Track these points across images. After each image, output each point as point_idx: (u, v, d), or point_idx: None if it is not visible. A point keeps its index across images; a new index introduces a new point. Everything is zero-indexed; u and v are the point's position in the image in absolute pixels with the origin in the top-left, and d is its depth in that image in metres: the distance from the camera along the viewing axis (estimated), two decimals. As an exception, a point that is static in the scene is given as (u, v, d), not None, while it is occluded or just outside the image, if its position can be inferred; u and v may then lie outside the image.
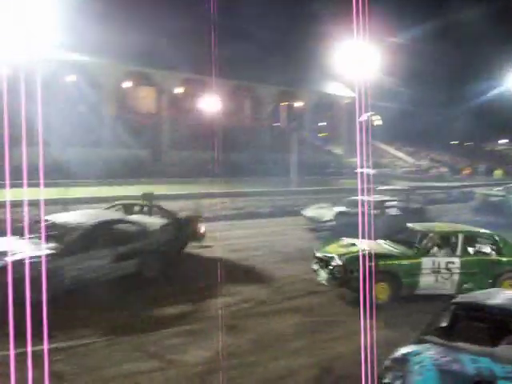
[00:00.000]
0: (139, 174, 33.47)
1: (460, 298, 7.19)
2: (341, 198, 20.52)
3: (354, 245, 11.19)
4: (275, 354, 8.06)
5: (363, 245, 10.67)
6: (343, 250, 10.99)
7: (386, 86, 44.71)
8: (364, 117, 32.97)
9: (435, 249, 11.08)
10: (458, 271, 10.75)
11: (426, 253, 10.86)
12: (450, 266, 10.72)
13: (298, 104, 54.27)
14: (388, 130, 56.13)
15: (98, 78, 38.62)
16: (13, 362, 5.54)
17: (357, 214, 16.95)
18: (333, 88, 54.61)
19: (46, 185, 25.98)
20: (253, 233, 19.15)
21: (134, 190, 24.00)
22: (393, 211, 18.71)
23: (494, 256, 11.31)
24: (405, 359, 6.22)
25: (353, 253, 10.59)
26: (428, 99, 58.39)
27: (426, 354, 6.16)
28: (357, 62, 24.21)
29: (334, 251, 11.07)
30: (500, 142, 71.91)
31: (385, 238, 12.05)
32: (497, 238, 11.53)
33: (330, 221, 17.88)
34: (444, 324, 6.86)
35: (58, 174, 31.01)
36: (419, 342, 6.57)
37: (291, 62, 46.83)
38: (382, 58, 31.57)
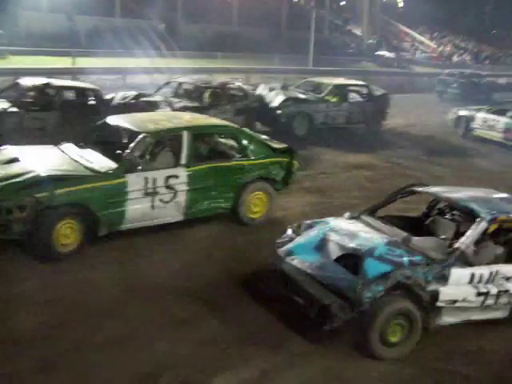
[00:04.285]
0: (154, 46, 32.36)
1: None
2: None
3: (14, 161, 7.39)
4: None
5: (29, 164, 7.22)
6: None
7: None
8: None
9: (149, 158, 7.57)
10: (184, 188, 7.67)
11: (134, 166, 7.27)
12: (173, 182, 7.54)
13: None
14: (412, 13, 53.76)
15: None
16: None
17: (309, 100, 15.36)
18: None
19: (55, 53, 25.57)
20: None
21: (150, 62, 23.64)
22: (355, 97, 16.57)
23: (235, 160, 8.28)
24: (310, 225, 6.50)
25: (10, 179, 6.82)
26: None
27: (329, 224, 6.39)
28: None
29: None
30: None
31: (76, 141, 8.24)
32: (238, 134, 8.51)
33: (278, 108, 14.69)
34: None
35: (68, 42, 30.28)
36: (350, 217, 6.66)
37: None
38: None
